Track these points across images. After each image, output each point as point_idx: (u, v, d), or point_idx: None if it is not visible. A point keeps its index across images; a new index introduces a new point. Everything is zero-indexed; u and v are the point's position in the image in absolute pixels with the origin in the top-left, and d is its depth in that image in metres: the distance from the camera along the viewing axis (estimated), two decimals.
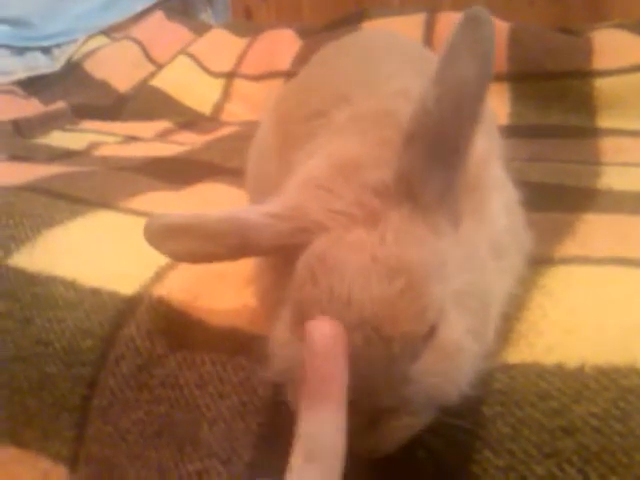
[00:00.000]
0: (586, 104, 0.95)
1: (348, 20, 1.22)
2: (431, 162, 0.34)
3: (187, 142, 1.05)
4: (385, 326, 0.31)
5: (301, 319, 0.33)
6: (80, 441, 0.49)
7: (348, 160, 0.37)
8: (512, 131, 0.92)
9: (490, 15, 0.33)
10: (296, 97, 0.53)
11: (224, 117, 1.27)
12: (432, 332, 0.33)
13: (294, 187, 0.38)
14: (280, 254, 0.37)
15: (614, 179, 0.68)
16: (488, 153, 0.42)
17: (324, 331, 0.31)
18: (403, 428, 0.33)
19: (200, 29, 1.51)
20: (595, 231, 0.53)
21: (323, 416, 0.30)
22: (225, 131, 1.12)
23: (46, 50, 1.51)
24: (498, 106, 0.98)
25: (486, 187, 0.40)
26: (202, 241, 0.37)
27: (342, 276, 0.32)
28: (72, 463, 0.49)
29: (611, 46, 0.99)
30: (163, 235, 0.39)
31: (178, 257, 0.41)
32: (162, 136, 1.13)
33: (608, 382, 0.35)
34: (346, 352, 0.31)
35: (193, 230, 0.38)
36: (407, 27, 1.13)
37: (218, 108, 1.30)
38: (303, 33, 1.33)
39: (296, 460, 0.30)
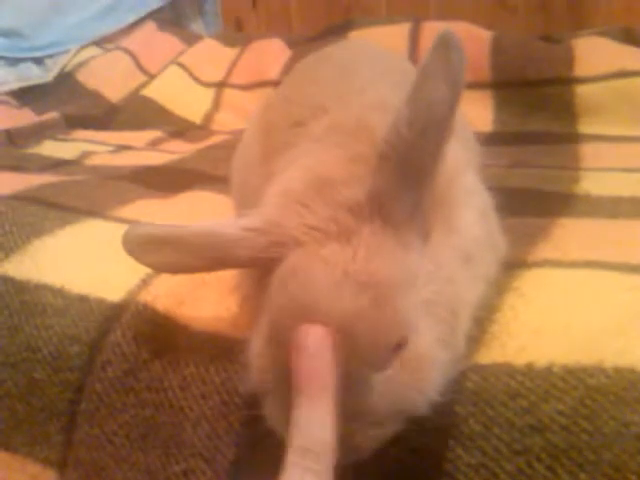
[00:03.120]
0: (567, 111, 0.97)
1: (335, 30, 1.24)
2: (402, 182, 0.35)
3: (178, 151, 1.06)
4: (354, 338, 0.32)
5: (275, 331, 0.35)
6: (68, 445, 0.50)
7: (324, 176, 0.38)
8: (495, 138, 0.94)
9: (459, 41, 0.34)
10: (278, 106, 0.54)
11: (214, 126, 1.28)
12: (401, 344, 0.34)
13: (271, 200, 0.40)
14: (257, 267, 0.39)
15: (592, 184, 0.69)
16: (460, 163, 0.43)
17: (314, 334, 0.32)
18: (373, 437, 0.34)
19: (191, 39, 1.53)
20: (570, 235, 0.54)
21: (314, 413, 0.32)
22: (215, 140, 1.13)
23: (39, 61, 1.52)
24: (481, 113, 1.00)
25: (456, 198, 0.41)
26: (180, 253, 0.38)
27: (313, 289, 0.33)
28: (60, 467, 0.50)
29: (592, 53, 1.00)
30: (142, 246, 0.40)
31: (157, 268, 0.42)
32: (153, 145, 1.14)
33: (576, 381, 0.36)
34: (334, 354, 0.32)
35: (172, 242, 0.39)
36: (393, 37, 1.15)
37: (208, 117, 1.31)
38: (292, 43, 1.34)
39: (290, 455, 0.31)
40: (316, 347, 0.32)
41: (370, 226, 0.35)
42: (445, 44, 0.34)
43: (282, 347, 0.34)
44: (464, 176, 0.44)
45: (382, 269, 0.34)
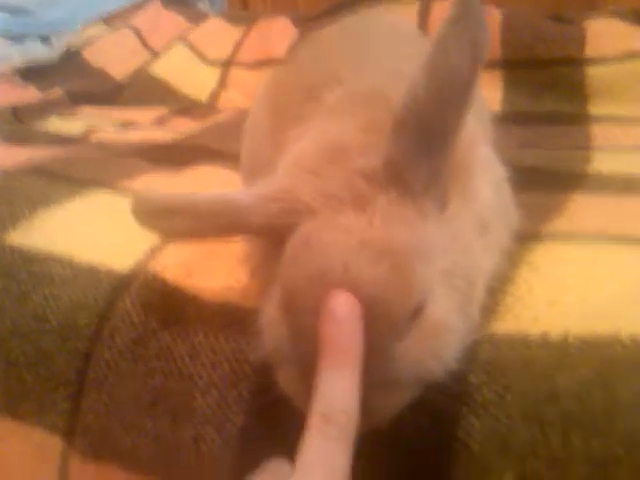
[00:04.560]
0: (578, 91, 0.96)
1: (342, 8, 1.23)
2: (419, 149, 0.34)
3: (184, 128, 1.06)
4: (371, 307, 0.32)
5: (290, 300, 0.34)
6: (76, 413, 0.50)
7: (338, 144, 0.38)
8: (505, 118, 0.93)
9: (479, 4, 0.34)
10: (289, 78, 0.54)
11: (220, 104, 1.27)
12: (419, 311, 0.34)
13: (284, 169, 0.39)
14: (269, 235, 0.38)
15: (603, 163, 0.69)
16: (475, 134, 0.43)
17: (343, 302, 0.32)
18: (391, 404, 0.34)
19: (197, 18, 1.52)
20: (583, 210, 0.55)
21: (339, 381, 0.31)
22: (221, 117, 1.13)
23: (44, 38, 1.52)
24: (491, 93, 0.99)
25: (473, 168, 0.41)
26: (191, 221, 0.38)
27: (329, 259, 0.33)
28: (67, 435, 0.50)
29: (603, 34, 1.00)
30: (152, 214, 0.39)
31: (166, 235, 0.42)
32: (159, 122, 1.14)
33: (591, 351, 0.36)
34: (361, 323, 0.32)
35: (183, 210, 0.38)
36: (402, 15, 1.13)
37: (214, 96, 1.30)
38: (298, 21, 1.34)
39: (313, 421, 0.31)
40: (344, 315, 0.32)
41: (386, 194, 0.35)
42: (463, 5, 0.33)
43: (297, 315, 0.34)
44: (480, 146, 0.43)
45: (399, 236, 0.34)
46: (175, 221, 0.38)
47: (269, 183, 0.38)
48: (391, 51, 0.49)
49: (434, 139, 0.35)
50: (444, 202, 0.38)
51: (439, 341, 0.35)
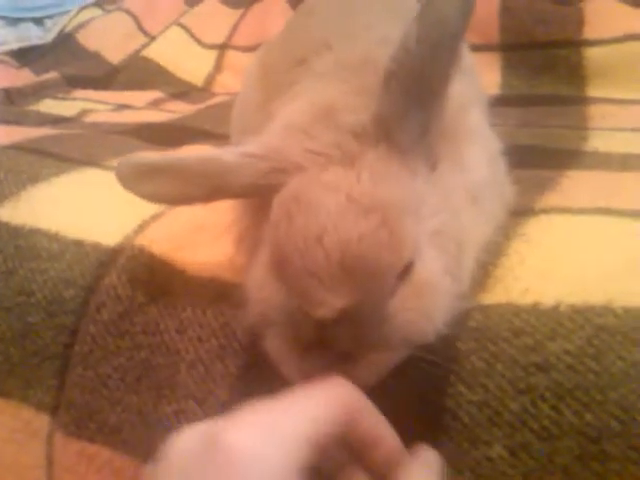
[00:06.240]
0: (576, 74, 0.95)
1: None
2: (409, 103, 0.34)
3: (178, 110, 1.06)
4: (359, 264, 0.31)
5: (278, 259, 0.34)
6: (62, 388, 0.49)
7: (327, 106, 0.37)
8: (503, 101, 0.92)
9: None
10: (280, 48, 0.53)
11: (216, 88, 1.27)
12: (408, 269, 0.33)
13: (273, 130, 0.38)
14: (257, 195, 0.37)
15: (600, 142, 0.68)
16: (466, 98, 0.42)
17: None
18: (381, 363, 0.34)
19: (193, 0, 1.50)
20: (578, 185, 0.54)
21: None
22: (216, 100, 1.12)
23: (38, 21, 1.51)
24: (489, 76, 0.99)
25: (464, 134, 0.40)
26: (178, 182, 0.37)
27: (317, 215, 0.32)
28: (54, 411, 0.50)
29: (602, 16, 0.99)
30: (137, 176, 0.38)
31: (153, 199, 0.40)
32: (154, 105, 1.13)
33: (583, 320, 0.35)
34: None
35: (169, 171, 0.37)
36: None
37: (210, 79, 1.30)
38: (295, 4, 1.32)
39: None
40: None
41: (374, 149, 0.34)
42: None
43: (289, 275, 0.33)
44: (470, 112, 0.43)
45: (387, 192, 0.33)
46: (161, 184, 0.37)
47: (257, 142, 0.37)
48: (380, 18, 0.48)
49: (424, 92, 0.34)
50: (433, 162, 0.37)
51: (428, 301, 0.34)
